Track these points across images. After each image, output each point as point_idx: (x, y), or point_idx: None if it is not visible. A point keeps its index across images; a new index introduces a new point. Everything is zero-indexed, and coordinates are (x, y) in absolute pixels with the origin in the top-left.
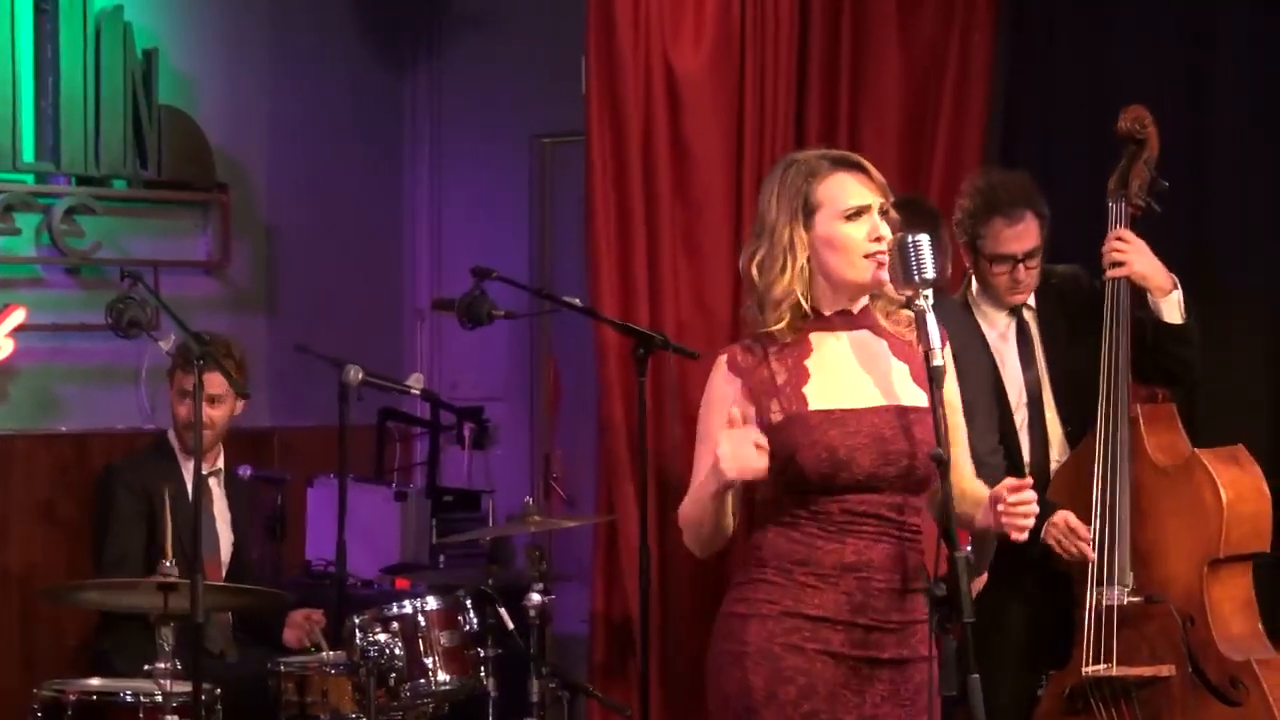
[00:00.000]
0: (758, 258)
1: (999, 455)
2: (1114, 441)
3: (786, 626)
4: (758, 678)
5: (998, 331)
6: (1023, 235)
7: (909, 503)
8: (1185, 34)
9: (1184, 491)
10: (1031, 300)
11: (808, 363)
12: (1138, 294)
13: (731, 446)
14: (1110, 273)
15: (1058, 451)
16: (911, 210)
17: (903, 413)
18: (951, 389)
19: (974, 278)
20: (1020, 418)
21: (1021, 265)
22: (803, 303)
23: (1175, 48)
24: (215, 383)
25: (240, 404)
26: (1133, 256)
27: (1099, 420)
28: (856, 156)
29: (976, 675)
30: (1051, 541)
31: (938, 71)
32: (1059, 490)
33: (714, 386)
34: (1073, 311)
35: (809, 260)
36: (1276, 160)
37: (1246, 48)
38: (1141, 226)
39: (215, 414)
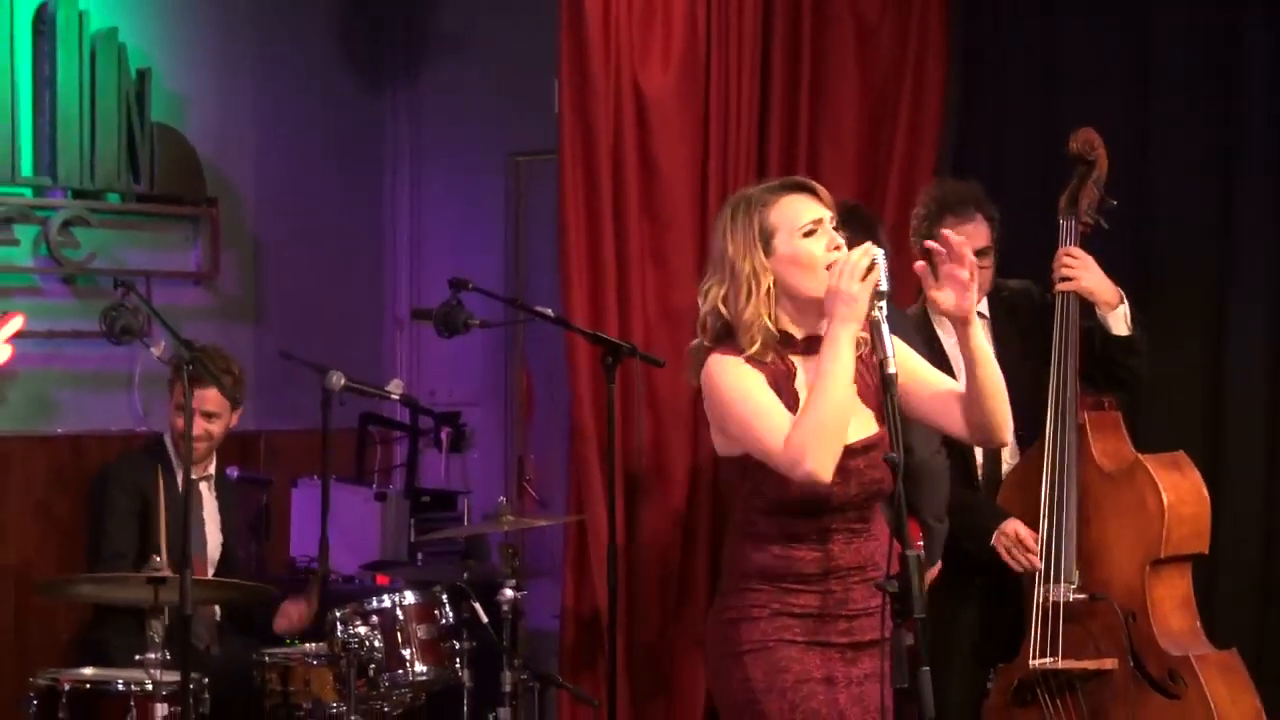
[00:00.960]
0: (721, 293)
1: (942, 455)
2: (1062, 446)
3: (777, 625)
4: (757, 670)
5: (952, 336)
6: (972, 234)
7: (872, 508)
8: (1128, 60)
9: (1128, 494)
10: (985, 310)
11: (796, 385)
12: (1086, 306)
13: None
14: (1060, 286)
15: (1009, 455)
16: (852, 218)
17: (867, 445)
18: (903, 351)
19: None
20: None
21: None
22: (770, 325)
23: (1118, 74)
24: (212, 400)
25: (236, 415)
26: (1081, 272)
27: (1048, 426)
28: (800, 178)
29: (927, 669)
30: (1001, 550)
31: (893, 95)
32: (1010, 492)
33: (733, 372)
34: (1023, 324)
35: (773, 284)
36: (1214, 172)
37: (1183, 71)
38: (1089, 242)
39: (212, 429)
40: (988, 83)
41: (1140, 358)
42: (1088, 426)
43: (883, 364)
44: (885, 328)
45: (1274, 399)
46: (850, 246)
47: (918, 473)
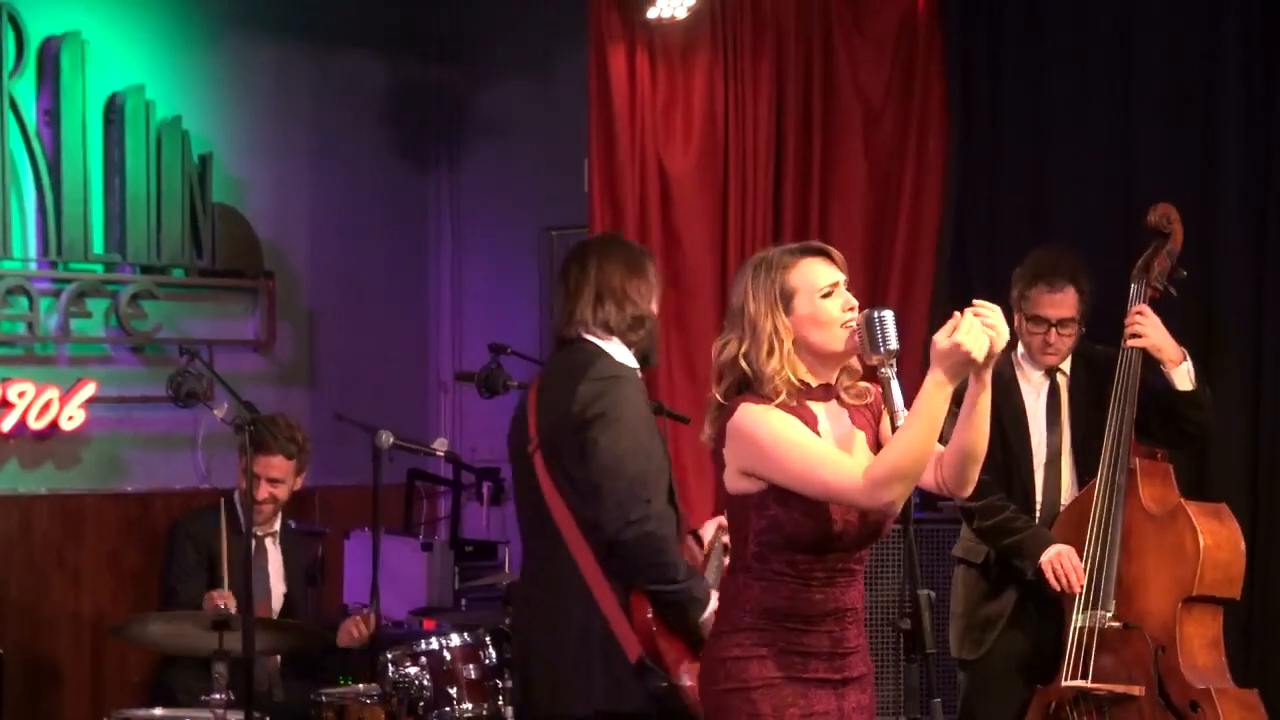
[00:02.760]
0: (743, 348)
1: (639, 525)
2: (1112, 485)
3: (783, 663)
4: (765, 705)
5: (1031, 386)
6: (1059, 303)
7: (864, 551)
8: (1114, 139)
9: (1168, 535)
10: (1067, 368)
11: (820, 431)
12: (1151, 363)
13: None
14: (1130, 343)
15: (1067, 497)
16: None
17: None
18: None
19: (1019, 339)
20: (1038, 461)
21: (1054, 329)
22: (792, 378)
23: (1106, 151)
24: (277, 466)
25: (300, 479)
26: (1150, 330)
27: (1101, 465)
28: (818, 243)
29: (939, 699)
30: (1048, 570)
31: (897, 171)
32: (1064, 522)
33: (775, 418)
34: (1099, 378)
35: (795, 343)
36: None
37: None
38: (1155, 305)
39: (277, 492)
40: (984, 154)
41: (1204, 412)
42: (1139, 471)
43: (892, 417)
44: (896, 384)
45: None
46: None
47: (618, 552)
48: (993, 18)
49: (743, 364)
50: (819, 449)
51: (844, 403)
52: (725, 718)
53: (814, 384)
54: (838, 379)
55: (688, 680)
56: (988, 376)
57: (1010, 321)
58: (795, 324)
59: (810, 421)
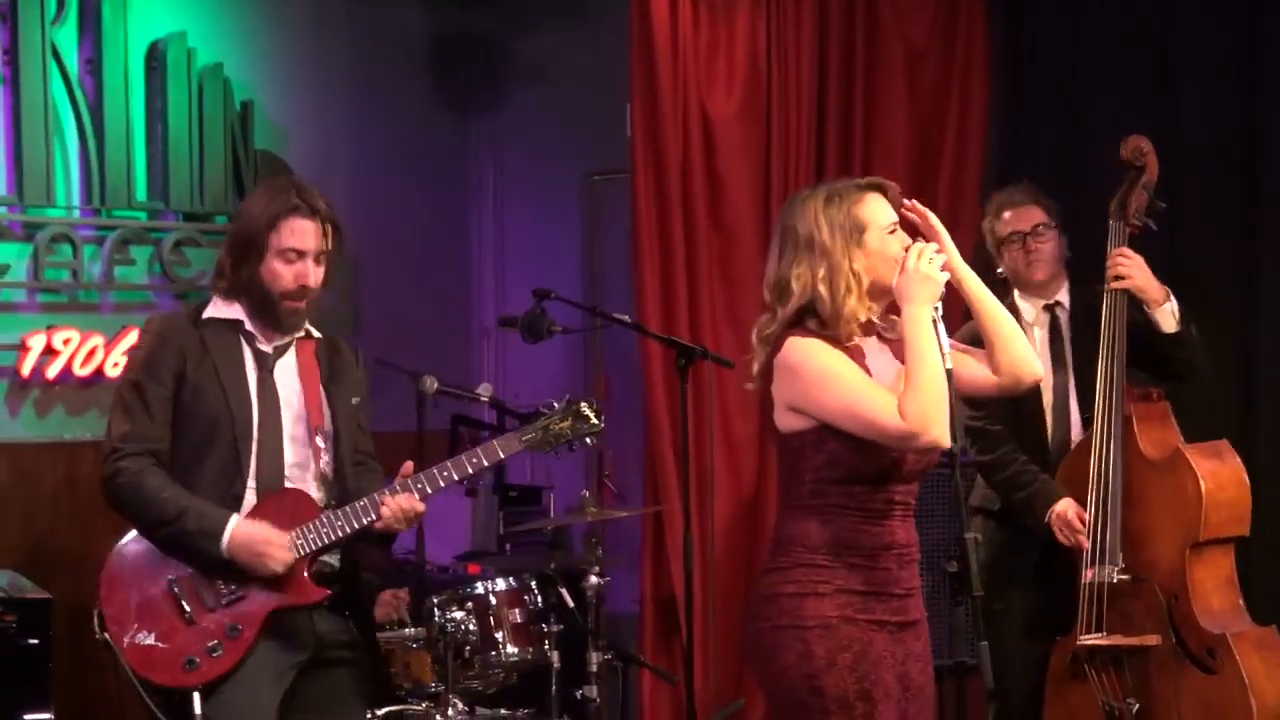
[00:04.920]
0: (819, 274)
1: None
2: (1108, 436)
3: (840, 602)
4: (819, 647)
5: (1029, 320)
6: (1025, 215)
7: (919, 486)
8: (1154, 67)
9: (1169, 482)
10: (1066, 303)
11: (868, 364)
12: (1136, 304)
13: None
14: (1112, 285)
15: (1076, 432)
16: None
17: None
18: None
19: (1011, 280)
20: (1047, 399)
21: (1029, 238)
22: (862, 318)
23: (1145, 81)
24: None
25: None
26: (1134, 271)
27: (1096, 417)
28: (880, 179)
29: (985, 643)
30: (1054, 528)
31: (940, 113)
32: (1066, 474)
33: (824, 354)
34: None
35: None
36: (1233, 184)
37: (1212, 87)
38: (1135, 242)
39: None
40: (1026, 94)
41: (1191, 350)
42: (1134, 418)
43: (940, 359)
44: (942, 326)
45: None
46: None
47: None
48: None
49: (822, 290)
50: (864, 386)
51: (884, 339)
52: (773, 655)
53: (864, 319)
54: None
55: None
56: (951, 273)
57: (993, 270)
58: (867, 259)
59: (858, 357)
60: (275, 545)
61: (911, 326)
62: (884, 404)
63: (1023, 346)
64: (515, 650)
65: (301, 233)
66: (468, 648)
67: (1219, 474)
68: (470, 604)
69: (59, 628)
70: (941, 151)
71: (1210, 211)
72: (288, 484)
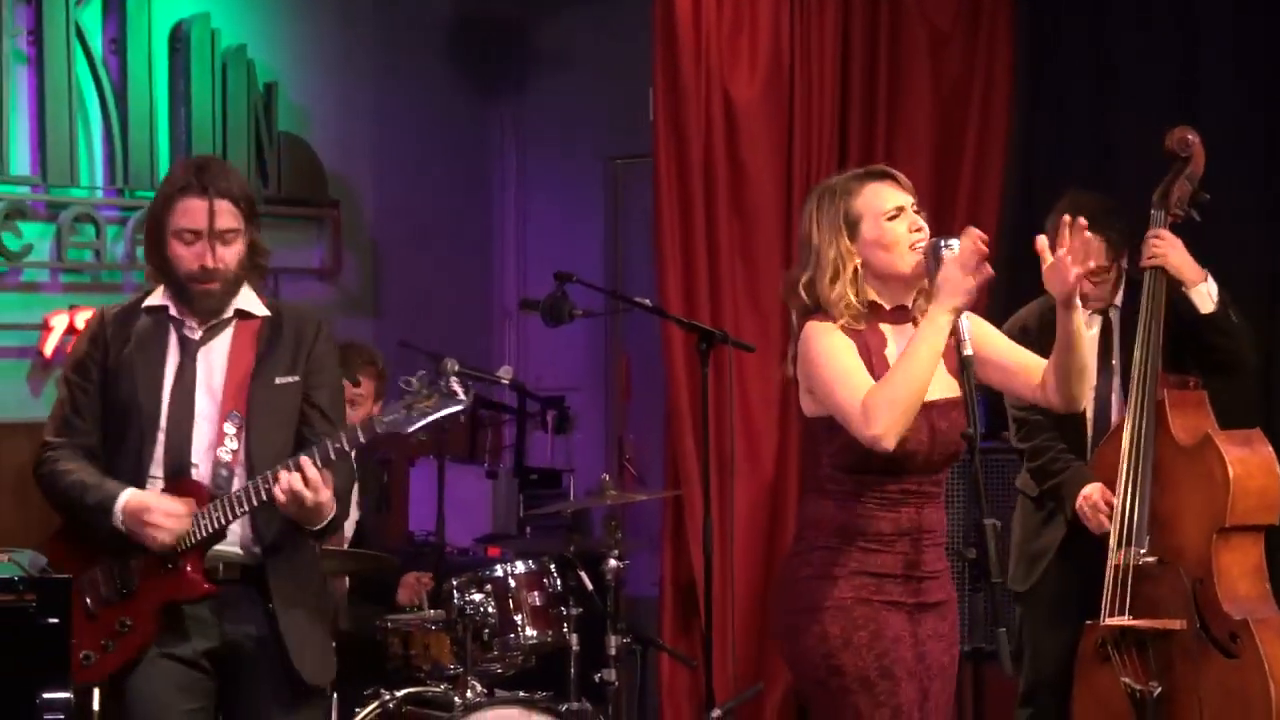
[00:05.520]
0: (805, 277)
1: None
2: (1142, 419)
3: (855, 584)
4: (834, 627)
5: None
6: (1098, 251)
7: (944, 474)
8: (1178, 55)
9: (1198, 467)
10: (1120, 303)
11: (886, 353)
12: (1178, 290)
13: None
14: (1146, 262)
15: (1117, 415)
16: None
17: (947, 405)
18: (988, 331)
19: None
20: (1089, 408)
21: (1085, 280)
22: (854, 302)
23: (1168, 68)
24: (361, 388)
25: (378, 405)
26: (1168, 250)
27: (1130, 400)
28: (882, 166)
29: (1004, 629)
30: (1080, 510)
31: (964, 97)
32: (1097, 463)
33: (826, 337)
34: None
35: (860, 266)
36: (1260, 173)
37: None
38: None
39: (354, 417)
40: (1050, 81)
41: (1230, 337)
42: (1167, 403)
43: (959, 346)
44: (964, 312)
45: None
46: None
47: None
48: None
49: (802, 294)
50: (846, 371)
51: (918, 325)
52: (795, 637)
53: (886, 306)
54: (915, 303)
55: None
56: (1069, 299)
57: None
58: (861, 248)
59: (878, 344)
60: (162, 513)
61: (924, 324)
62: (855, 390)
63: (1087, 385)
64: (534, 633)
65: (193, 212)
66: (487, 630)
67: (1248, 461)
68: (490, 586)
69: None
70: (965, 138)
71: (1238, 202)
72: (193, 472)
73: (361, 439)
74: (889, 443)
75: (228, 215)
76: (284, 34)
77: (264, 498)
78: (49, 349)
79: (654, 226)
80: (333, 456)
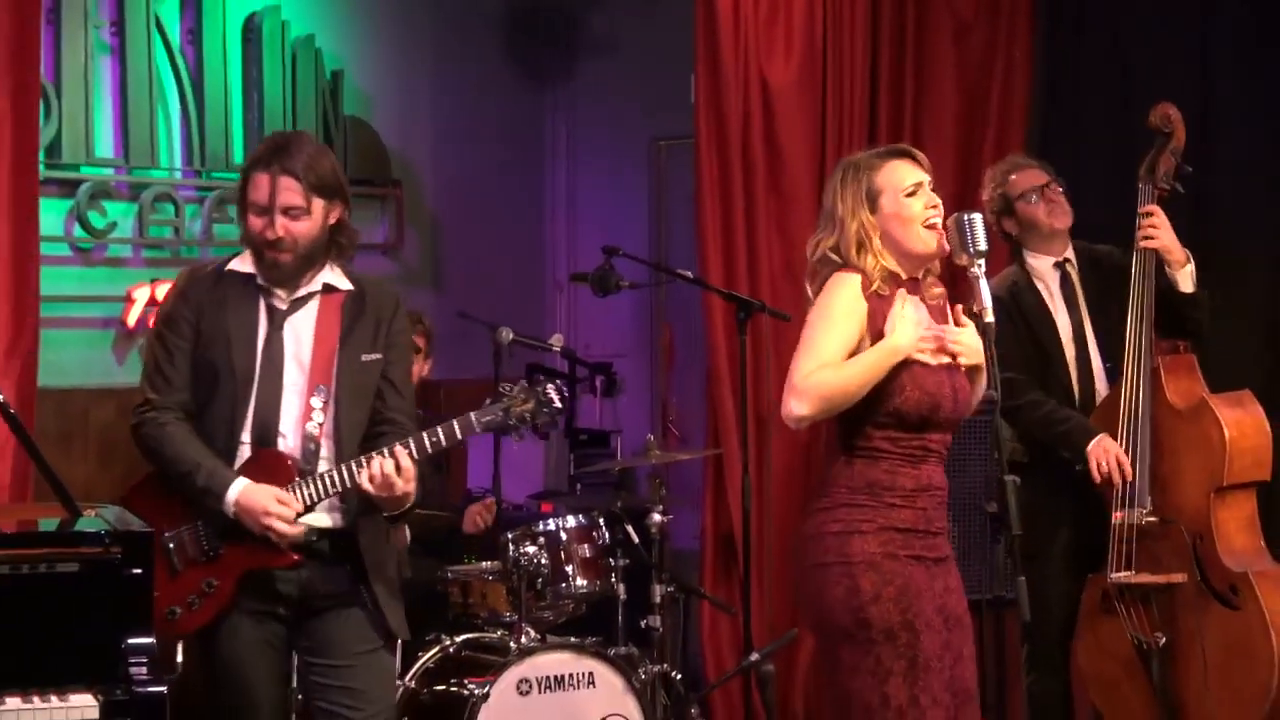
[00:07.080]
0: (831, 242)
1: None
2: (1138, 388)
3: (883, 539)
4: (865, 581)
5: (1045, 281)
6: (1033, 174)
7: (954, 434)
8: (1194, 38)
9: (1195, 430)
10: (1073, 258)
11: (890, 313)
12: (1160, 263)
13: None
14: (1142, 244)
15: (1100, 383)
16: None
17: (954, 370)
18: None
19: (1021, 247)
20: (1070, 353)
21: (1046, 190)
22: (884, 266)
23: (1184, 51)
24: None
25: (427, 365)
26: (1161, 233)
27: (1125, 369)
28: (903, 145)
29: (1023, 579)
30: (1092, 459)
31: (985, 83)
32: (1097, 425)
33: (846, 298)
34: (1106, 275)
35: (881, 238)
36: (1272, 148)
37: (1248, 57)
38: (1163, 205)
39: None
40: (1067, 68)
41: (1202, 311)
42: (1162, 369)
43: (980, 314)
44: (984, 282)
45: None
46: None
47: None
48: None
49: (831, 255)
50: (824, 336)
51: (925, 301)
52: (820, 590)
53: (903, 275)
54: (924, 277)
55: None
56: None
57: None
58: (881, 221)
59: (884, 306)
60: (278, 518)
61: (882, 347)
62: (811, 361)
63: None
64: (584, 583)
65: (260, 186)
66: (540, 580)
67: (1242, 422)
68: (542, 539)
69: None
70: (987, 119)
71: (1245, 175)
72: (280, 442)
73: (459, 436)
74: (794, 425)
75: (290, 192)
76: (349, 24)
77: (355, 480)
78: (132, 320)
79: (695, 203)
80: (429, 450)
